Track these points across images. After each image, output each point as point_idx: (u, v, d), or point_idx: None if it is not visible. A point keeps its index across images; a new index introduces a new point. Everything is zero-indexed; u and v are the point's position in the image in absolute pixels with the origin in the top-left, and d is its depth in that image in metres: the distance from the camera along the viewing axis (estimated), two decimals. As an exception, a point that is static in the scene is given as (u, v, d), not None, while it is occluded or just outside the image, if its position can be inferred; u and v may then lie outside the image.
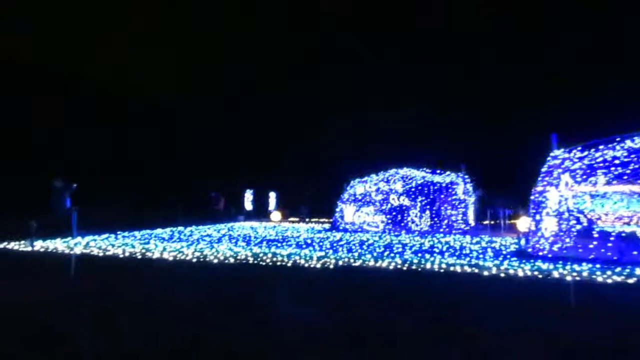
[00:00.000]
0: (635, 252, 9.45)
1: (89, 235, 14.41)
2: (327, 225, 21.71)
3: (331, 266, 9.04)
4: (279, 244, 12.93)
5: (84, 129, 28.27)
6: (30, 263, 9.55)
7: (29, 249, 11.29)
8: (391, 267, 8.91)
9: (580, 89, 28.65)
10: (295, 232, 17.82)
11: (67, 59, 27.81)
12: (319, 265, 9.06)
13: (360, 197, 19.32)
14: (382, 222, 18.58)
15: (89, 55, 28.74)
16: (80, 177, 17.30)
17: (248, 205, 28.86)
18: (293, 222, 26.28)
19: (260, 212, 28.80)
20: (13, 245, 11.75)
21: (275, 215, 27.25)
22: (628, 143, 10.29)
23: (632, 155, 10.36)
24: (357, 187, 19.71)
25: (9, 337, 4.65)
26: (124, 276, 8.05)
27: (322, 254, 10.72)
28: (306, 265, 9.14)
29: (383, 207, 18.77)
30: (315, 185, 29.74)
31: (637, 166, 10.54)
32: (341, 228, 19.12)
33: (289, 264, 9.24)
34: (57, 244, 11.98)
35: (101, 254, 10.47)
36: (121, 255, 10.32)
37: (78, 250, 10.73)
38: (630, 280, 7.48)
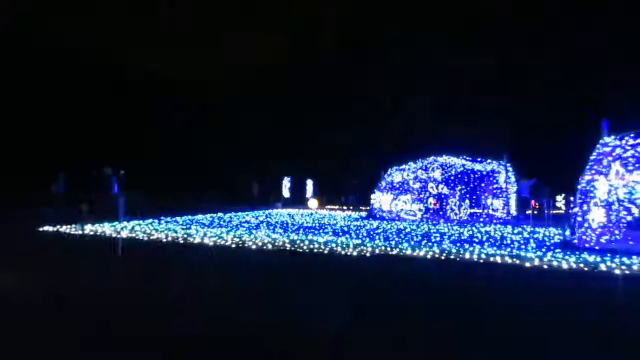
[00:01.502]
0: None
1: (134, 220, 14.95)
2: (364, 214, 21.62)
3: (368, 254, 8.99)
4: (316, 232, 12.97)
5: (130, 116, 29.19)
6: (83, 245, 10.02)
7: (80, 232, 11.85)
8: (429, 257, 8.76)
9: (634, 72, 26.95)
10: (333, 220, 17.85)
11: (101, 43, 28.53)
12: (355, 254, 9.04)
13: (398, 186, 19.10)
14: (420, 210, 18.31)
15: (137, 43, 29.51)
16: (126, 165, 17.98)
17: (286, 193, 29.16)
18: (331, 209, 26.35)
19: (298, 200, 29.05)
20: (66, 229, 12.36)
21: (313, 203, 27.40)
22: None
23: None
24: (395, 175, 19.48)
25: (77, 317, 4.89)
26: (167, 262, 8.30)
27: (359, 242, 10.68)
28: (343, 253, 9.13)
29: (421, 196, 18.48)
30: (358, 175, 29.70)
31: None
32: (378, 217, 18.99)
33: (326, 252, 9.25)
34: (106, 228, 12.51)
35: (146, 239, 10.85)
36: (164, 240, 10.65)
37: (125, 234, 11.15)
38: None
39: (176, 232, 12.04)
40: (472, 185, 18.63)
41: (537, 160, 24.65)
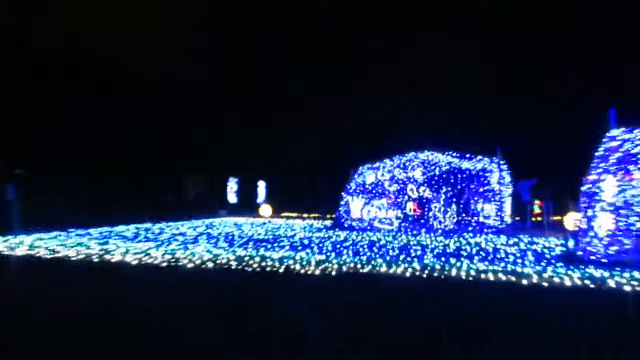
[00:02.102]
0: None
1: (35, 233, 14.39)
2: (328, 222, 21.68)
3: (333, 273, 9.01)
4: (269, 245, 12.94)
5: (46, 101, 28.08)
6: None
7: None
8: (408, 275, 8.86)
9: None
10: (290, 231, 17.82)
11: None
12: (317, 272, 9.03)
13: (370, 188, 19.27)
14: (397, 218, 18.55)
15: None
16: (31, 164, 17.29)
17: (232, 197, 28.88)
18: (288, 217, 26.28)
19: (247, 206, 28.83)
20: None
21: (265, 210, 27.28)
22: None
23: None
24: (367, 174, 19.65)
25: None
26: (69, 283, 8.03)
27: (323, 257, 10.70)
28: (302, 271, 9.12)
29: (399, 200, 18.72)
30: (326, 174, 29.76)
31: None
32: (346, 226, 19.09)
33: (281, 270, 9.23)
34: (-5, 244, 11.97)
35: (49, 256, 10.44)
36: (74, 258, 10.30)
37: (21, 251, 10.71)
38: None
39: (89, 248, 11.69)
40: (459, 187, 19.00)
41: (536, 156, 25.48)
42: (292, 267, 9.54)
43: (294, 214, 27.49)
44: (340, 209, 19.64)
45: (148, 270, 9.33)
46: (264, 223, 21.95)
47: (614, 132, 10.95)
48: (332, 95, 34.61)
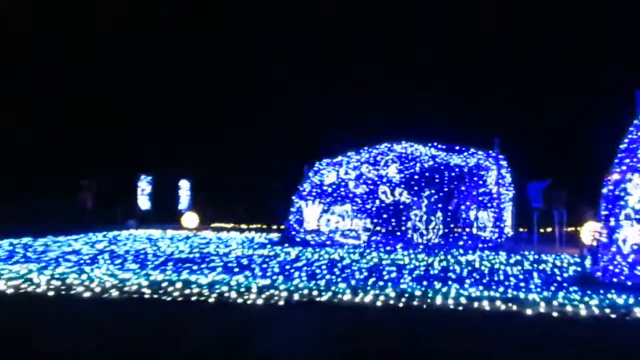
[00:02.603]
0: None
1: None
2: (276, 236, 21.61)
3: (281, 302, 8.99)
4: (195, 267, 12.81)
5: None
6: None
7: None
8: (379, 304, 8.92)
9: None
10: (223, 247, 17.66)
11: None
12: (260, 302, 9.00)
13: (330, 190, 19.31)
14: (366, 229, 18.63)
15: None
16: None
17: (143, 203, 28.43)
18: (221, 229, 26.05)
19: (166, 213, 28.49)
20: None
21: (190, 219, 26.98)
22: None
23: None
24: (326, 173, 19.69)
25: None
26: None
27: (267, 282, 10.65)
28: (240, 300, 9.07)
29: (368, 206, 18.82)
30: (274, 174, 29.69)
31: None
32: (298, 240, 19.06)
33: (211, 299, 9.15)
34: None
35: None
36: None
37: None
38: None
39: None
40: (446, 189, 19.16)
41: (545, 150, 26.15)
42: (226, 295, 9.45)
43: (229, 225, 27.28)
44: (291, 218, 19.59)
45: (28, 301, 9.08)
46: (188, 237, 21.67)
47: (643, 119, 11.34)
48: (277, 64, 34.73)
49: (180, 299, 9.24)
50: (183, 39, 36.39)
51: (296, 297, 9.37)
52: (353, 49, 35.07)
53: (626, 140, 11.31)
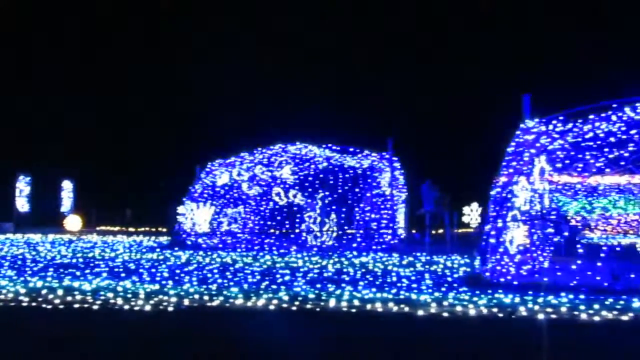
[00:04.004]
0: (633, 276, 10.53)
1: None
2: (165, 239, 21.26)
3: (170, 308, 8.84)
4: (79, 273, 12.48)
5: None
6: None
7: None
8: (272, 307, 8.93)
9: (560, 36, 31.39)
10: (109, 252, 17.26)
11: None
12: (148, 307, 8.82)
13: (222, 192, 19.16)
14: (259, 232, 18.60)
15: None
16: None
17: (21, 205, 27.34)
18: (107, 232, 25.40)
19: (45, 217, 27.50)
20: None
21: (73, 222, 26.21)
22: (628, 113, 11.31)
23: (633, 131, 11.43)
24: (219, 174, 19.52)
25: None
26: None
27: (156, 287, 10.47)
28: (126, 307, 8.86)
29: (261, 208, 18.80)
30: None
31: (637, 147, 11.70)
32: (189, 243, 18.82)
33: (96, 307, 8.90)
34: None
35: None
36: None
37: None
38: (625, 317, 8.30)
39: None
40: (340, 191, 19.40)
41: (436, 152, 27.01)
42: (111, 301, 9.22)
43: (116, 228, 26.61)
44: (182, 220, 19.31)
45: None
46: (71, 241, 20.99)
47: (529, 123, 11.84)
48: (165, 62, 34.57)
49: (61, 306, 8.92)
50: (71, 36, 35.93)
51: (186, 302, 9.25)
52: (245, 48, 35.23)
53: (513, 144, 11.79)
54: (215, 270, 13.05)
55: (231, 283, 11.11)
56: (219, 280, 11.45)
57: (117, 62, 36.42)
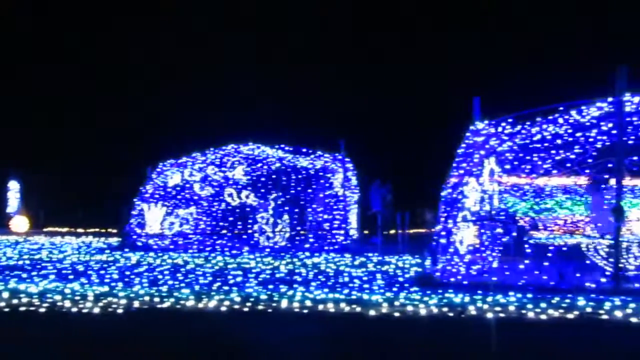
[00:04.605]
0: (579, 275, 10.79)
1: None
2: (115, 240, 20.98)
3: (120, 310, 8.75)
4: (25, 275, 12.26)
5: None
6: None
7: None
8: (224, 309, 8.90)
9: (509, 35, 32.01)
10: (57, 253, 16.98)
11: None
12: (97, 310, 8.71)
13: (174, 192, 18.99)
14: (211, 233, 18.49)
15: None
16: None
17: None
18: (54, 234, 24.94)
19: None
20: None
21: (19, 223, 25.71)
22: (574, 116, 11.62)
23: (579, 134, 11.74)
24: (170, 174, 19.34)
25: None
26: None
27: (106, 289, 10.33)
28: (74, 309, 8.74)
29: (214, 209, 18.69)
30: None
31: (583, 149, 12.00)
32: (140, 244, 18.60)
33: (42, 309, 8.76)
34: None
35: None
36: None
37: None
38: (570, 315, 8.53)
39: None
40: (293, 191, 19.40)
41: (387, 153, 27.22)
42: (59, 304, 9.08)
43: (64, 229, 26.14)
44: (132, 221, 19.08)
45: None
46: (17, 242, 20.55)
47: (478, 125, 12.04)
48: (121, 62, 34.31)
49: (6, 309, 8.75)
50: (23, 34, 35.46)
51: (136, 304, 9.16)
52: (196, 47, 35.06)
53: (463, 145, 11.98)
54: (166, 272, 12.92)
55: (182, 284, 11.04)
56: (170, 282, 11.37)
57: (66, 61, 35.84)
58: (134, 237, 18.92)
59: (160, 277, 12.11)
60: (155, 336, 7.50)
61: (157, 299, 9.47)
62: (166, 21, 35.71)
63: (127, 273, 12.69)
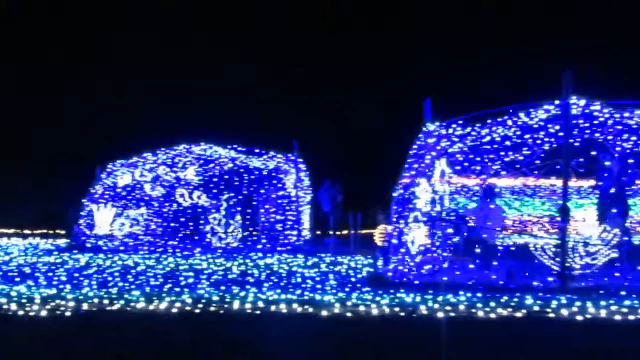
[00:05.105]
0: (527, 274, 11.02)
1: None
2: (64, 242, 20.62)
3: (68, 313, 8.60)
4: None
5: None
6: None
7: None
8: (175, 310, 8.83)
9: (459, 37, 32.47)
10: (2, 255, 16.63)
11: None
12: (44, 313, 8.55)
13: (124, 193, 18.76)
14: (162, 233, 18.33)
15: None
16: None
17: None
18: (0, 235, 24.39)
19: None
20: None
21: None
22: (523, 118, 11.87)
23: (527, 135, 11.99)
24: (120, 174, 19.09)
25: None
26: None
27: (53, 291, 10.14)
28: (20, 312, 8.57)
29: (165, 210, 18.52)
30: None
31: (531, 151, 12.26)
32: (89, 246, 18.33)
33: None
34: None
35: None
36: None
37: None
38: (519, 314, 8.71)
39: None
40: (246, 192, 19.36)
41: (340, 153, 27.32)
42: (4, 306, 8.88)
43: (10, 230, 25.54)
44: (81, 222, 18.78)
45: None
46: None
47: (430, 126, 12.19)
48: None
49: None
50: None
51: (85, 306, 9.03)
52: (147, 46, 34.71)
53: (415, 146, 12.12)
54: (116, 274, 12.78)
55: (132, 286, 10.91)
56: (120, 284, 11.25)
57: (15, 60, 35.09)
58: (83, 238, 18.62)
59: (110, 278, 11.98)
60: (102, 338, 7.40)
61: (106, 301, 9.34)
62: (120, 21, 35.28)
63: (76, 275, 12.49)
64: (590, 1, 31.80)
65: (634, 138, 11.93)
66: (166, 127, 27.02)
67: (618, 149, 12.37)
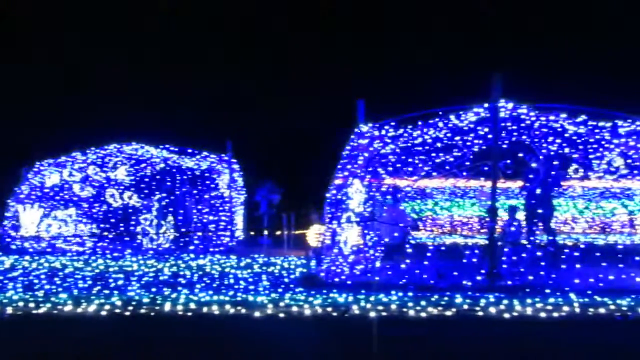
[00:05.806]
0: (456, 273, 11.26)
1: None
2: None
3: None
4: None
5: None
6: None
7: None
8: (105, 313, 8.69)
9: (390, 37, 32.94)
10: None
11: None
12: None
13: (52, 193, 18.32)
14: (92, 234, 17.99)
15: None
16: None
17: None
18: None
19: None
20: None
21: None
22: (453, 120, 12.12)
23: (457, 137, 12.27)
24: (48, 174, 18.64)
25: None
26: None
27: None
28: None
29: (94, 210, 18.19)
30: None
31: (461, 153, 12.55)
32: (14, 247, 17.82)
33: None
34: None
35: None
36: None
37: None
38: (449, 312, 8.91)
39: None
40: (178, 193, 19.21)
41: (273, 154, 27.35)
42: None
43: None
44: (6, 223, 18.24)
45: None
46: None
47: (363, 127, 12.32)
48: None
49: None
50: None
51: (9, 310, 8.84)
52: (81, 45, 34.19)
53: (348, 147, 12.23)
54: (43, 276, 12.50)
55: (60, 289, 10.72)
56: (47, 286, 11.03)
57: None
58: (8, 240, 18.08)
59: (36, 281, 11.72)
60: (28, 343, 7.24)
61: (32, 305, 9.15)
62: (53, 19, 34.62)
63: (0, 278, 12.21)
64: (518, 7, 32.81)
65: (559, 140, 12.35)
66: (96, 125, 26.55)
67: (544, 151, 12.80)
